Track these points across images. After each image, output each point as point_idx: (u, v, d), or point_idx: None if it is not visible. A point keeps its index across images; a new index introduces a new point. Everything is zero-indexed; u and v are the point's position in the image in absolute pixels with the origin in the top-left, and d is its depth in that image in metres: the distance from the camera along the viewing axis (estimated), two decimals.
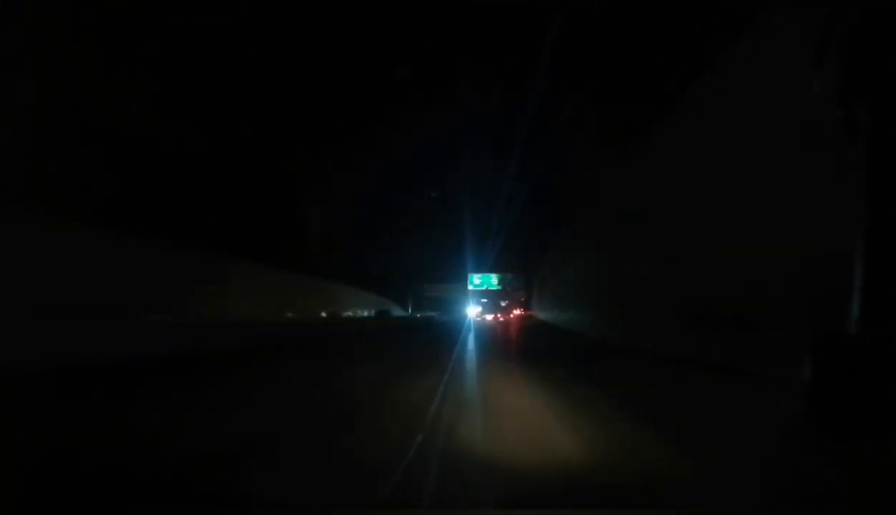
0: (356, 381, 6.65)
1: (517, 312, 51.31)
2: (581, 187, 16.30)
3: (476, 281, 48.78)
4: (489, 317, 56.28)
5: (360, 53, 11.37)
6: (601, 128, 12.89)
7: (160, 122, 10.29)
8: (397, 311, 47.75)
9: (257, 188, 14.49)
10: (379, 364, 8.50)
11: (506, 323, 37.85)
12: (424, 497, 2.36)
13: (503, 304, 60.92)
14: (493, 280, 49.25)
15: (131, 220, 9.77)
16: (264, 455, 3.02)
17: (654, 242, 10.76)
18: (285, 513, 2.26)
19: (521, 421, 4.17)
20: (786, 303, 5.67)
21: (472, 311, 46.06)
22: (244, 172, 13.36)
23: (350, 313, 23.65)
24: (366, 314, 34.38)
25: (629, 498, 2.39)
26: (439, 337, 16.66)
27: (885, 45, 1.01)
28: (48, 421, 3.83)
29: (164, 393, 5.40)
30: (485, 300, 63.64)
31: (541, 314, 35.84)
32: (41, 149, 7.65)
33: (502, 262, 44.48)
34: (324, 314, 19.65)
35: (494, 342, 15.47)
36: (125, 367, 6.67)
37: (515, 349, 13.13)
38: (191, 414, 4.34)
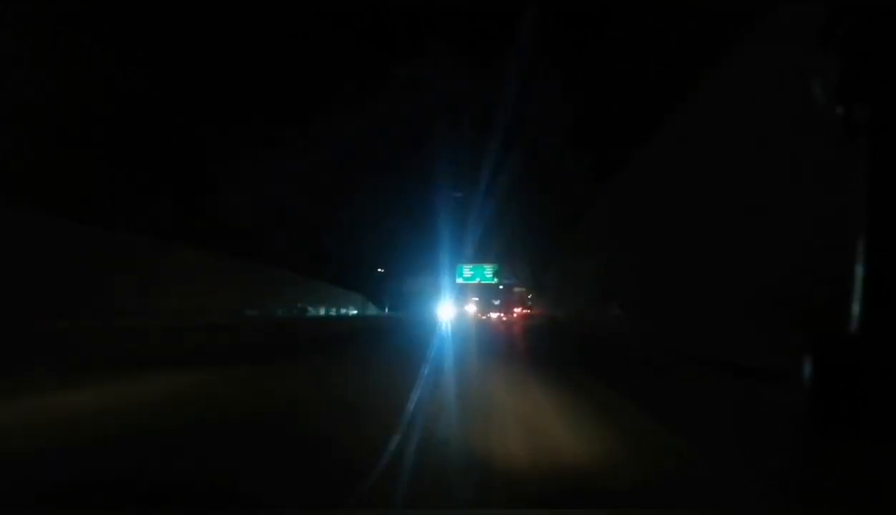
0: None
1: (519, 310, 45.55)
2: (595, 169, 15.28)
3: (466, 272, 39.03)
4: (493, 316, 49.72)
5: (331, 28, 10.56)
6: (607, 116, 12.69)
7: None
8: (367, 310, 39.13)
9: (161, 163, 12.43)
10: None
11: (509, 326, 32.53)
12: None
13: (497, 302, 52.79)
14: (488, 271, 39.69)
15: None
16: None
17: (668, 238, 10.76)
18: (282, 513, 2.27)
19: None
20: (789, 302, 5.73)
21: (448, 312, 33.65)
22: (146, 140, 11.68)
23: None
24: (322, 313, 27.40)
25: (629, 498, 2.41)
26: None
27: (886, 45, 1.02)
28: None
29: None
30: (477, 297, 53.96)
31: (548, 311, 33.02)
32: None
33: (497, 250, 37.29)
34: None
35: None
36: None
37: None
38: None
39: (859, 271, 1.10)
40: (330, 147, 15.63)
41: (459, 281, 38.67)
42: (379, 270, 34.90)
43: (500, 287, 49.52)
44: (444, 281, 37.39)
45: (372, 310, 38.18)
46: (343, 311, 34.89)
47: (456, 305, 35.39)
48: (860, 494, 2.14)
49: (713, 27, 7.84)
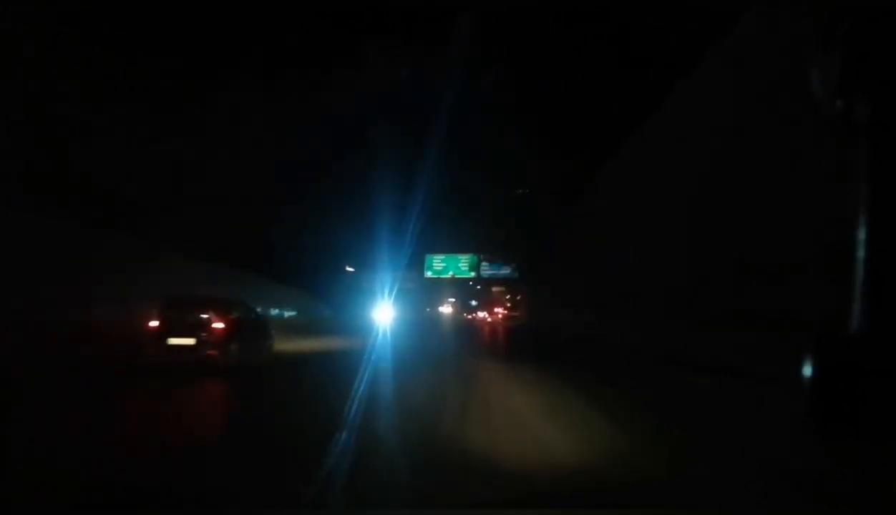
0: None
1: (502, 311, 42.75)
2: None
3: (437, 264, 31.57)
4: (480, 315, 45.92)
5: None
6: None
7: None
8: (315, 310, 31.18)
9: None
10: None
11: (491, 329, 28.71)
12: None
13: (475, 303, 50.42)
14: (463, 263, 31.96)
15: None
16: None
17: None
18: (277, 513, 2.28)
19: None
20: (788, 302, 5.74)
21: (386, 315, 24.05)
22: None
23: None
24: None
25: (629, 498, 2.43)
26: None
27: (886, 45, 1.03)
28: None
29: None
30: (454, 298, 50.82)
31: (535, 313, 30.47)
32: None
33: (476, 240, 31.21)
34: None
35: None
36: None
37: None
38: None
39: (859, 271, 1.10)
40: (273, 130, 14.60)
41: (429, 275, 31.65)
42: (348, 269, 29.64)
43: (478, 287, 44.87)
44: (387, 274, 26.55)
45: (322, 311, 30.82)
46: (276, 312, 27.29)
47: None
48: (860, 494, 2.15)
49: (692, 26, 7.88)
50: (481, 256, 31.56)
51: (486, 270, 31.97)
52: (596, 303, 15.97)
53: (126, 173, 12.79)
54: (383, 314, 23.12)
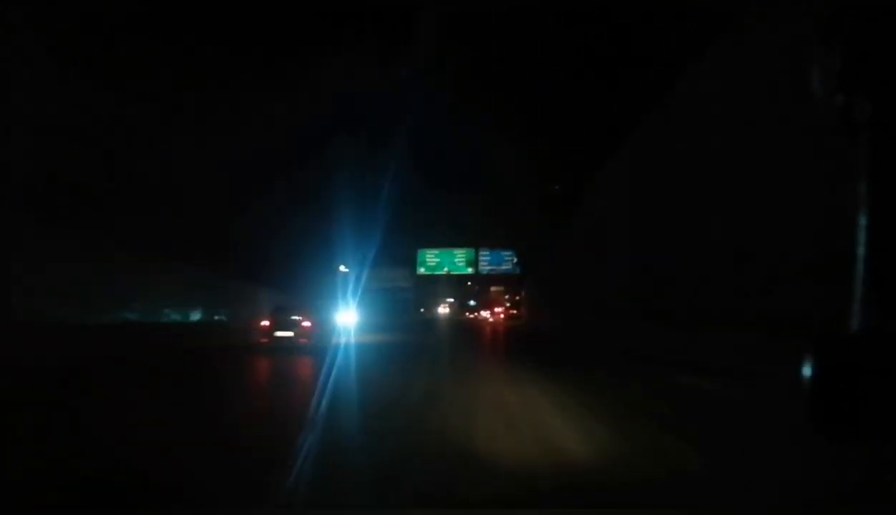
0: None
1: (502, 311, 41.95)
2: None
3: (430, 259, 28.49)
4: (483, 314, 45.18)
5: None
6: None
7: None
8: None
9: None
10: None
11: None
12: None
13: (473, 303, 49.35)
14: (459, 258, 28.65)
15: None
16: None
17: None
18: (277, 513, 2.29)
19: None
20: (788, 302, 5.75)
21: (350, 318, 20.28)
22: None
23: None
24: (197, 318, 18.41)
25: (630, 498, 2.43)
26: None
27: (887, 45, 1.03)
28: None
29: None
30: (451, 299, 49.30)
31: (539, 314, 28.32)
32: None
33: (475, 235, 27.83)
34: None
35: None
36: None
37: None
38: None
39: (860, 271, 1.10)
40: (260, 125, 13.83)
41: (422, 271, 28.86)
42: (342, 268, 26.53)
43: (476, 287, 44.28)
44: (373, 272, 21.98)
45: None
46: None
47: (421, 305, 21.90)
48: (860, 494, 2.15)
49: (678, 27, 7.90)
50: (479, 250, 28.68)
51: (486, 266, 29.05)
52: (595, 303, 15.97)
53: (109, 174, 12.19)
54: (352, 317, 20.54)
